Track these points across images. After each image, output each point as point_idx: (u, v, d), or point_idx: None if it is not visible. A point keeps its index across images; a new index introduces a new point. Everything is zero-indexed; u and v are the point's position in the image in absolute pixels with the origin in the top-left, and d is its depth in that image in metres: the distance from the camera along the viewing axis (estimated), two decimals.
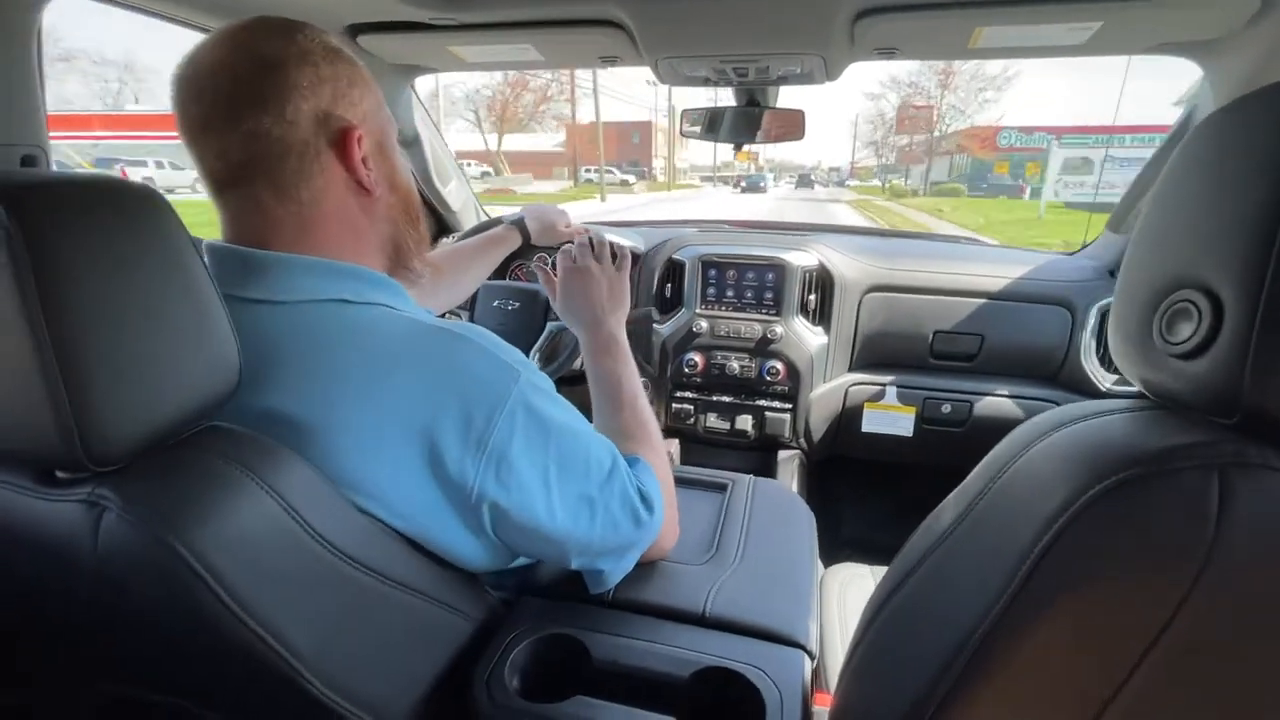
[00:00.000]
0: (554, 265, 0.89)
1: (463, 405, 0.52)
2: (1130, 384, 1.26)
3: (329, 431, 0.50)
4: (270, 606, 0.44)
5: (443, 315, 1.42)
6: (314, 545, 0.47)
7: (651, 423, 0.78)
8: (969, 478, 0.47)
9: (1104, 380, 1.34)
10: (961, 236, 1.77)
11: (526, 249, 1.24)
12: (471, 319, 1.39)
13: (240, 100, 0.52)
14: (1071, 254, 1.56)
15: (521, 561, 0.70)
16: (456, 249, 1.16)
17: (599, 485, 0.59)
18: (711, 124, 1.31)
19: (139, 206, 0.42)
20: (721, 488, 0.93)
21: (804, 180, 53.47)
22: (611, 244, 0.91)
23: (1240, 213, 0.32)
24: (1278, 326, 0.30)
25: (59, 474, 0.43)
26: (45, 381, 0.37)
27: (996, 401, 1.40)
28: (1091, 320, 1.34)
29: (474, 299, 1.41)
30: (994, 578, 0.37)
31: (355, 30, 1.04)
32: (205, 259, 0.46)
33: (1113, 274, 1.39)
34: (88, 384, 0.38)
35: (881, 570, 1.09)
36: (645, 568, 0.74)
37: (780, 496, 0.93)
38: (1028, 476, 0.40)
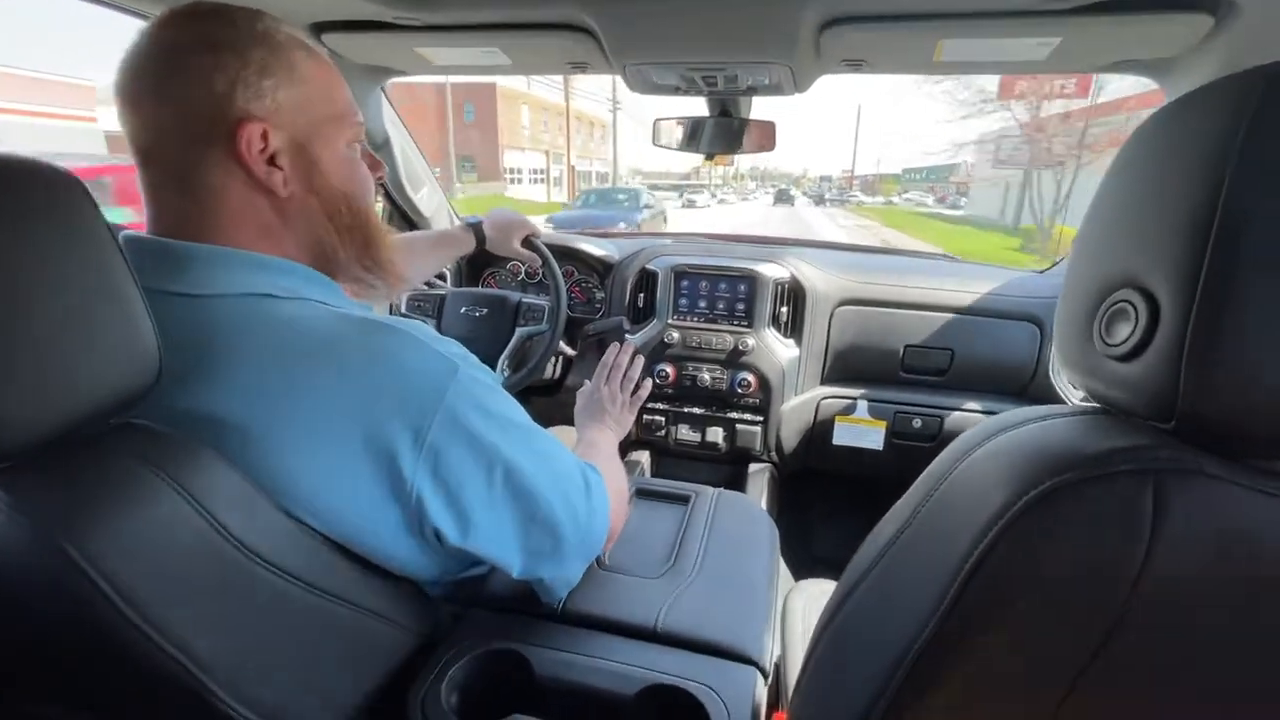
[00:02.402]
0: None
1: (398, 399, 0.50)
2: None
3: (258, 431, 0.48)
4: (175, 616, 0.42)
5: (392, 311, 1.39)
6: (230, 551, 0.44)
7: (614, 459, 0.83)
8: (914, 485, 0.45)
9: (1073, 396, 1.35)
10: (935, 253, 1.78)
11: (487, 256, 1.21)
12: (439, 326, 1.37)
13: (142, 85, 0.51)
14: (1042, 272, 1.57)
15: (472, 572, 0.68)
16: (408, 240, 1.13)
17: (544, 480, 0.57)
18: (690, 134, 1.30)
19: (51, 191, 0.40)
20: (684, 500, 0.91)
21: (782, 196, 44.08)
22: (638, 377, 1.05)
23: (1175, 212, 0.32)
24: (1212, 328, 0.30)
25: None
26: None
27: (966, 416, 1.41)
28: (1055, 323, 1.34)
29: (440, 305, 1.39)
30: (931, 589, 0.35)
31: (320, 28, 1.03)
32: (123, 249, 0.43)
33: None
34: None
35: None
36: (599, 579, 0.72)
37: (743, 509, 0.91)
38: (965, 483, 0.38)
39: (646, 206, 12.93)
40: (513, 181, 26.64)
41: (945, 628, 0.34)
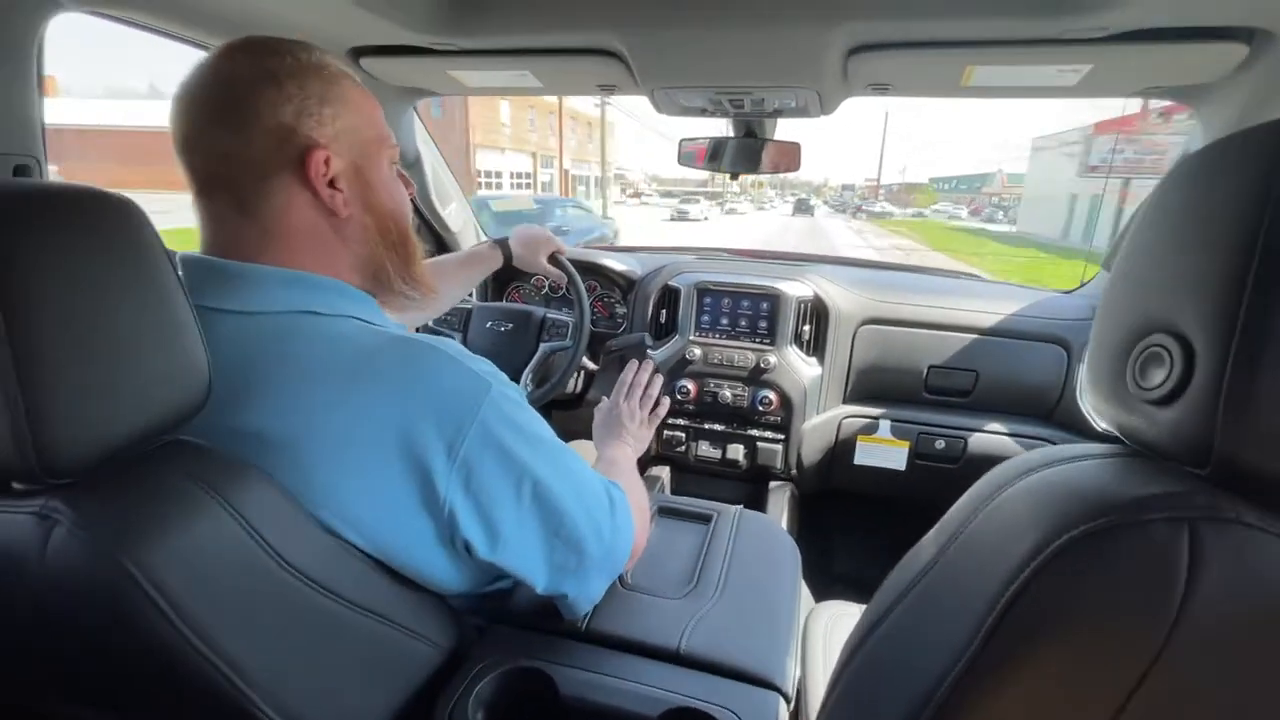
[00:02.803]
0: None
1: (434, 414, 0.52)
2: None
3: (299, 445, 0.50)
4: (224, 631, 0.43)
5: (421, 330, 1.42)
6: (274, 568, 0.46)
7: (635, 475, 0.84)
8: (947, 515, 0.45)
9: (1100, 421, 1.33)
10: (959, 271, 1.77)
11: (511, 270, 1.23)
12: (465, 340, 1.39)
13: (206, 119, 0.54)
14: (1069, 292, 1.55)
15: (497, 585, 0.69)
16: (437, 263, 1.15)
17: (570, 496, 0.59)
18: (710, 154, 1.32)
19: (113, 217, 0.42)
20: (706, 519, 0.91)
21: (802, 206, 42.63)
22: (656, 394, 1.07)
23: (1211, 258, 0.32)
24: (1249, 375, 0.30)
25: (15, 485, 0.42)
26: (2, 389, 0.36)
27: (991, 439, 1.39)
28: (1087, 359, 1.33)
29: (467, 320, 1.41)
30: (964, 625, 0.36)
31: (358, 53, 1.06)
32: (179, 271, 0.46)
33: None
34: (47, 393, 0.37)
35: None
36: (622, 598, 0.72)
37: (765, 530, 0.91)
38: (998, 521, 0.38)
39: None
40: (488, 186, 23.04)
41: (977, 665, 0.35)
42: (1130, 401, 0.36)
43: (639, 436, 0.98)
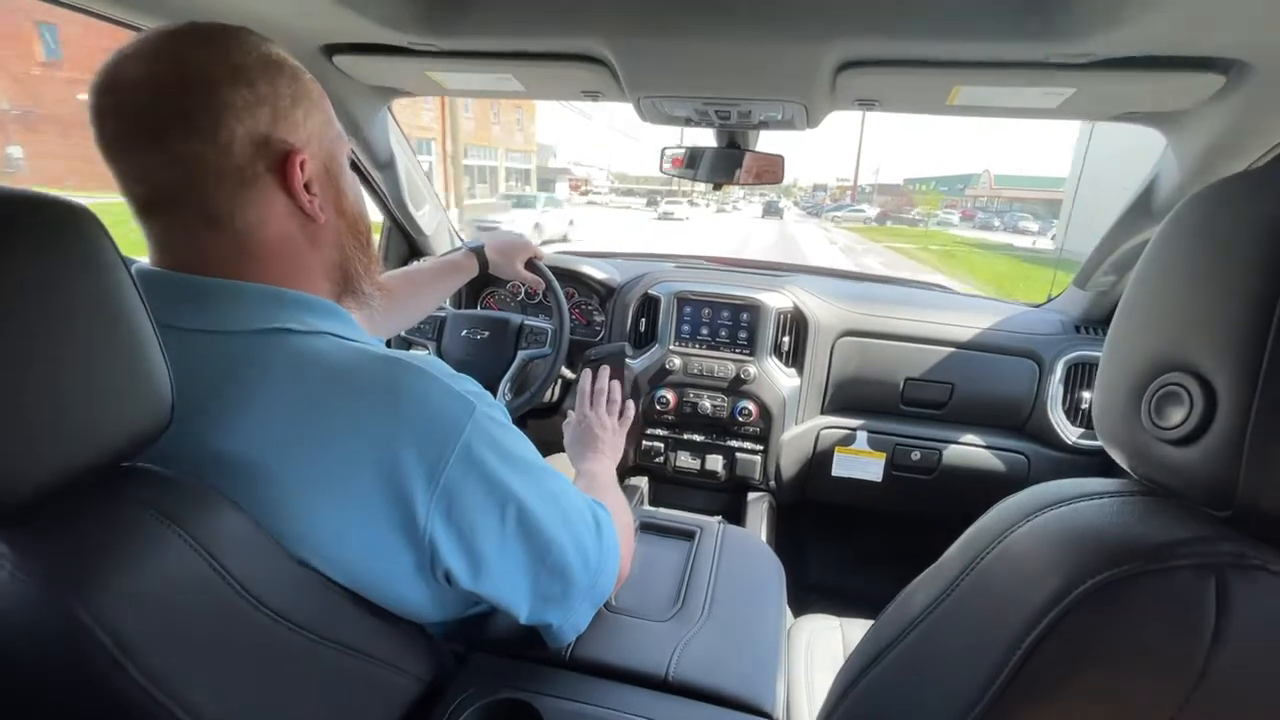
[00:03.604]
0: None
1: (415, 439, 0.49)
2: (1095, 437, 1.25)
3: (269, 471, 0.47)
4: (187, 677, 0.40)
5: (393, 341, 1.37)
6: (241, 604, 0.43)
7: (617, 491, 0.81)
8: (946, 556, 0.44)
9: (1070, 433, 1.36)
10: (932, 284, 1.80)
11: (486, 276, 1.20)
12: (439, 349, 1.35)
13: (165, 119, 0.47)
14: (1038, 306, 1.59)
15: (475, 610, 0.66)
16: (411, 273, 1.11)
17: (555, 522, 0.56)
18: (692, 163, 1.31)
19: (65, 226, 0.38)
20: (689, 535, 0.90)
21: (771, 209, 38.71)
22: (620, 399, 1.04)
23: (1233, 298, 0.31)
24: (1275, 418, 0.29)
25: None
26: None
27: (965, 450, 1.41)
28: (1058, 372, 1.36)
29: (441, 328, 1.37)
30: (977, 671, 0.35)
31: (331, 50, 1.02)
32: (137, 284, 0.42)
33: (1079, 328, 1.41)
34: None
35: (850, 622, 1.06)
36: (606, 622, 0.70)
37: (749, 547, 0.90)
38: (1011, 563, 0.38)
39: None
40: None
41: (996, 709, 0.34)
42: (1144, 440, 0.35)
43: (614, 445, 0.95)
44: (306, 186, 0.53)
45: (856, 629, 1.06)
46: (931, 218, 33.43)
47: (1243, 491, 0.30)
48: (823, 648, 1.01)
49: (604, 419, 0.97)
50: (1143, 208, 1.13)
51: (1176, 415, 0.33)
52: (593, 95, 1.09)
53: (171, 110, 0.48)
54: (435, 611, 0.58)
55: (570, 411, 1.01)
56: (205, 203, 0.50)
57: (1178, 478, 0.34)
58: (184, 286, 0.50)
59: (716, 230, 22.66)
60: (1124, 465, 0.38)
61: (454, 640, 0.67)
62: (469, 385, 0.54)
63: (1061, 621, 0.32)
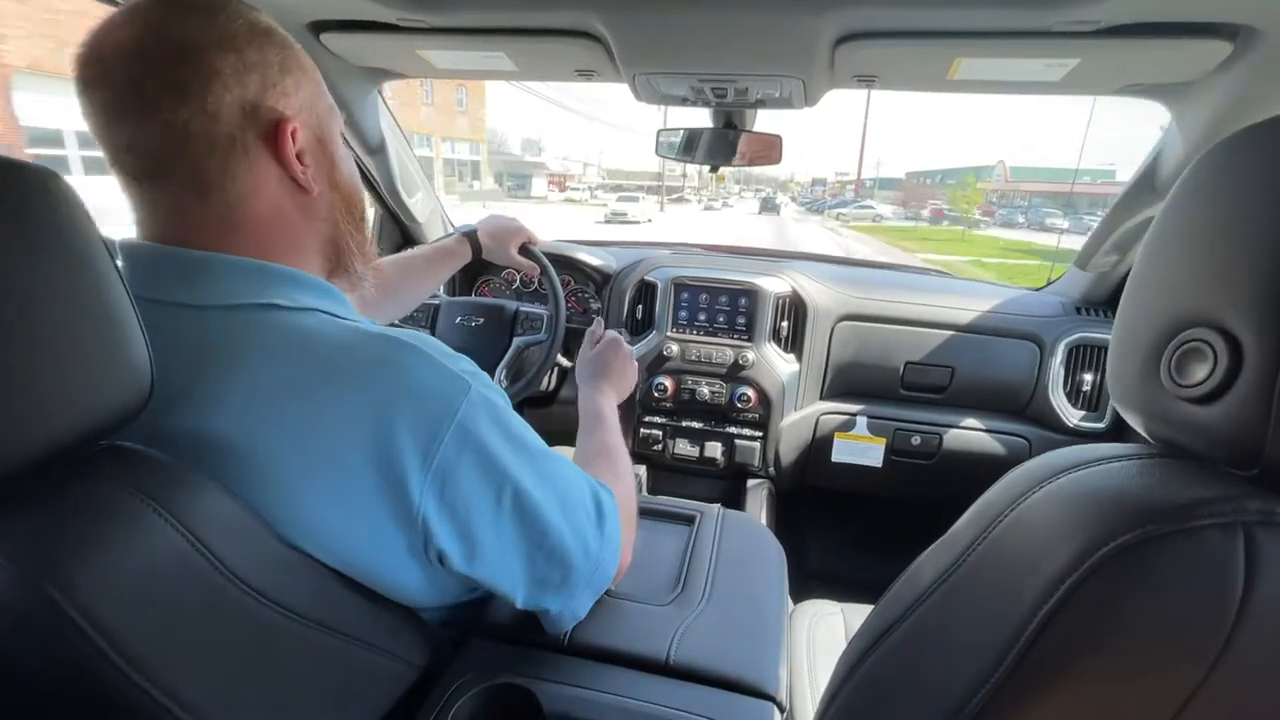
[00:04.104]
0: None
1: (409, 417, 0.47)
2: (1097, 420, 1.24)
3: (255, 449, 0.45)
4: (169, 662, 0.38)
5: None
6: (225, 586, 0.41)
7: (623, 456, 0.79)
8: (956, 527, 0.43)
9: (1071, 416, 1.35)
10: (930, 269, 1.78)
11: (480, 263, 1.17)
12: (433, 336, 1.33)
13: (153, 88, 0.46)
14: (1038, 290, 1.57)
15: (471, 595, 0.65)
16: (404, 259, 1.09)
17: (553, 507, 0.55)
18: (688, 145, 1.28)
19: (34, 193, 0.36)
20: (689, 520, 0.89)
21: (768, 205, 37.63)
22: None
23: (1259, 248, 0.30)
24: None
25: None
26: None
27: (966, 434, 1.40)
28: (1059, 355, 1.35)
29: (435, 315, 1.35)
30: (992, 642, 0.33)
31: (319, 27, 0.99)
32: (117, 258, 0.40)
33: (1080, 310, 1.40)
34: None
35: (851, 607, 1.05)
36: (605, 606, 0.69)
37: (750, 530, 0.89)
38: (1026, 530, 0.36)
39: None
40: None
41: (1009, 685, 0.32)
42: (1164, 400, 0.34)
43: (625, 374, 0.97)
44: (299, 157, 0.52)
45: (858, 614, 1.05)
46: (968, 218, 28.54)
47: (1270, 448, 0.29)
48: (825, 632, 0.99)
49: (620, 345, 0.99)
50: (1146, 185, 1.11)
51: (1200, 372, 0.31)
52: (587, 75, 1.06)
53: (160, 78, 0.46)
54: (430, 596, 0.57)
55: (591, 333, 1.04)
56: (195, 172, 0.48)
57: (1200, 437, 0.32)
58: (167, 259, 0.49)
59: (688, 234, 18.02)
60: (1141, 430, 0.37)
61: (451, 627, 0.65)
62: (465, 365, 0.53)
63: (1080, 588, 0.30)
